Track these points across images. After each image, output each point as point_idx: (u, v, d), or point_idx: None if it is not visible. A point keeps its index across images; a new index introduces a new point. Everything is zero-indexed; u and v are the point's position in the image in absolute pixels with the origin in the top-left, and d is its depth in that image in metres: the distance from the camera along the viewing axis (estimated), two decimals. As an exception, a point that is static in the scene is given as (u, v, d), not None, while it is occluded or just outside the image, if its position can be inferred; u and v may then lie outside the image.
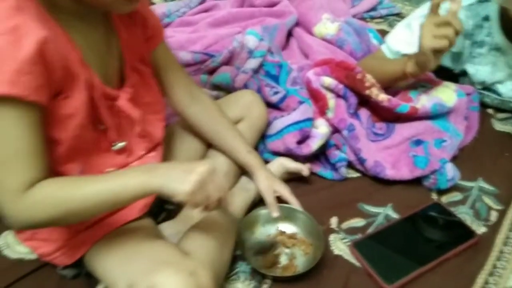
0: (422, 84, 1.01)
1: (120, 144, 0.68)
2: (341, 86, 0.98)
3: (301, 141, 0.95)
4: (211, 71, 1.12)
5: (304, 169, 0.91)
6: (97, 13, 0.64)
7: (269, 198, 0.81)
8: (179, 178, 0.59)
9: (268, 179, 0.83)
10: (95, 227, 0.69)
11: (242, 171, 0.89)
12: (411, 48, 0.90)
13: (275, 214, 0.80)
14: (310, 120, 0.94)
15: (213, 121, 0.84)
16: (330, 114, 0.97)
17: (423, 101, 0.96)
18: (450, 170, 0.90)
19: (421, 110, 0.96)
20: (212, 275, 0.63)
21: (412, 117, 0.98)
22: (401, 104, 0.96)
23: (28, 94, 0.51)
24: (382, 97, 0.96)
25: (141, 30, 0.72)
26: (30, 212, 0.56)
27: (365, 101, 1.02)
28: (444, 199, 0.92)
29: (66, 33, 0.57)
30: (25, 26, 0.51)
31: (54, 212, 0.56)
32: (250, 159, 0.84)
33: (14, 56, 0.50)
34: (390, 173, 0.91)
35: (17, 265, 0.79)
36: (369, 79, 0.96)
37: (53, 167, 0.60)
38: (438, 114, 0.97)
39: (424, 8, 0.99)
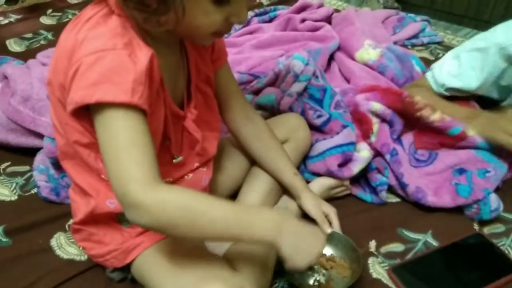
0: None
1: (180, 158, 0.72)
2: (388, 111, 0.99)
3: (342, 164, 0.97)
4: (256, 92, 1.16)
5: (345, 184, 0.93)
6: (176, 41, 0.69)
7: (319, 217, 0.83)
8: (303, 254, 0.62)
9: (315, 199, 0.86)
10: (148, 233, 0.72)
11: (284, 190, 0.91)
12: (457, 82, 0.91)
13: (328, 230, 0.82)
14: (352, 144, 0.96)
15: (264, 142, 0.87)
16: (373, 138, 0.98)
17: (472, 131, 0.97)
18: (494, 201, 0.89)
19: (470, 139, 0.96)
20: None
21: (457, 145, 0.98)
22: (454, 126, 0.97)
23: (142, 103, 0.55)
24: (434, 118, 0.97)
25: (208, 52, 0.77)
26: (160, 207, 0.54)
27: (410, 127, 1.03)
28: (486, 230, 0.91)
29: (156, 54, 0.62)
30: (136, 42, 0.57)
31: (180, 217, 0.55)
32: (296, 181, 0.87)
33: (133, 67, 0.54)
34: (431, 199, 0.91)
35: (68, 265, 0.83)
36: (420, 101, 0.97)
37: None
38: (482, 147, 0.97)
39: (475, 42, 1.00)
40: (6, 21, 1.73)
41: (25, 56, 1.37)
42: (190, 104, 0.73)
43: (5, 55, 1.39)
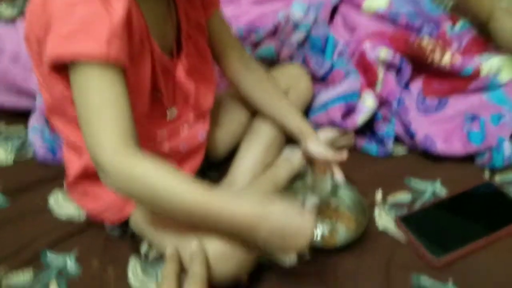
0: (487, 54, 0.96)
1: (173, 111, 0.69)
2: (398, 57, 0.94)
3: (346, 114, 0.93)
4: (255, 45, 1.11)
5: (350, 137, 0.90)
6: None
7: (331, 155, 0.80)
8: (284, 247, 0.58)
9: (323, 144, 0.83)
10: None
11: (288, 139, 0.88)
12: None
13: (339, 175, 0.80)
14: (356, 93, 0.92)
15: (266, 90, 0.84)
16: (379, 87, 0.94)
17: (486, 69, 0.92)
18: (508, 148, 0.85)
19: (482, 78, 0.91)
20: None
21: (468, 87, 0.93)
22: (465, 67, 0.91)
23: (119, 57, 0.52)
24: (445, 61, 0.91)
25: None
26: (129, 177, 0.52)
27: (418, 73, 0.98)
28: (498, 178, 0.87)
29: (137, 3, 0.58)
30: None
31: (144, 195, 0.54)
32: (304, 125, 0.83)
33: (108, 19, 0.51)
34: (441, 147, 0.87)
35: (67, 224, 0.81)
36: (428, 43, 0.92)
37: None
38: (494, 87, 0.91)
39: None
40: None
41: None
42: (181, 54, 0.68)
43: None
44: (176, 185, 0.54)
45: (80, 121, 0.54)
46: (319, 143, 0.82)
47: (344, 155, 0.80)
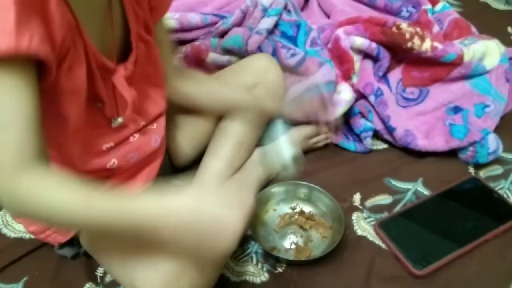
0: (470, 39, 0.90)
1: (120, 120, 0.61)
2: (374, 45, 0.87)
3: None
4: (222, 34, 1.02)
5: (326, 134, 0.85)
6: None
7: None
8: (201, 249, 0.49)
9: None
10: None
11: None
12: None
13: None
14: (332, 83, 0.84)
15: (199, 81, 0.78)
16: (355, 79, 0.86)
17: (469, 55, 0.85)
18: (493, 142, 0.79)
19: (466, 64, 0.85)
20: None
21: (450, 75, 0.87)
22: (448, 53, 0.85)
23: (31, 47, 0.42)
24: (426, 47, 0.85)
25: None
26: (19, 201, 0.46)
27: (397, 62, 0.91)
28: (483, 173, 0.82)
29: None
30: None
31: (42, 213, 0.47)
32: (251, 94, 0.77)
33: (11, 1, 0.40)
34: (422, 143, 0.81)
35: (16, 244, 0.74)
36: (407, 28, 0.85)
37: (55, 145, 0.54)
38: (477, 74, 0.85)
39: None
40: None
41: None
42: (128, 57, 0.60)
43: None
44: (61, 196, 0.46)
45: None
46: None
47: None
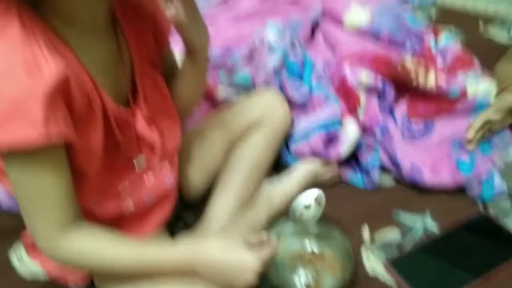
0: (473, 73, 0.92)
1: (142, 161, 0.63)
2: (379, 81, 0.89)
3: (328, 143, 0.87)
4: (230, 69, 1.04)
5: (334, 170, 0.86)
6: (105, 22, 0.57)
7: None
8: (227, 282, 0.59)
9: None
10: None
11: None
12: None
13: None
14: (337, 120, 0.86)
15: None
16: (360, 113, 0.88)
17: (473, 90, 0.87)
18: (498, 182, 0.79)
19: (470, 99, 0.87)
20: None
21: (454, 108, 0.88)
22: (451, 88, 0.87)
23: (58, 132, 0.47)
24: (431, 84, 0.88)
25: (149, 28, 0.65)
26: (64, 258, 0.57)
27: (402, 94, 0.94)
28: (492, 209, 0.81)
29: (75, 53, 0.52)
30: (42, 57, 0.46)
31: (87, 265, 0.60)
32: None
33: (39, 92, 0.45)
34: (429, 178, 0.82)
35: (30, 285, 0.74)
36: (411, 66, 0.87)
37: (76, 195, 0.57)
38: (482, 108, 0.87)
39: None
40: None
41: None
42: (138, 96, 0.62)
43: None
44: (109, 251, 0.57)
45: (19, 205, 0.54)
46: None
47: None
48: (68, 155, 0.52)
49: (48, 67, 0.46)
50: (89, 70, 0.53)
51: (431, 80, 0.86)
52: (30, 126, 0.45)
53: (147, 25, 0.64)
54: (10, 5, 0.47)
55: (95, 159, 0.55)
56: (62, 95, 0.47)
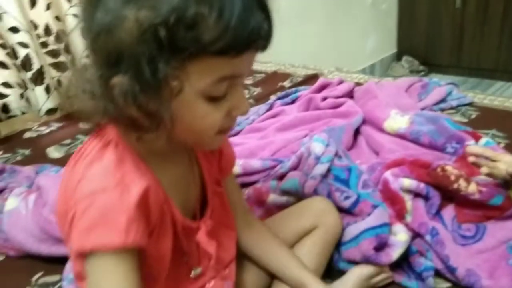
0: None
1: (198, 270, 0.69)
2: (422, 185, 0.93)
3: (379, 247, 0.89)
4: (281, 177, 1.13)
5: (387, 274, 0.85)
6: (183, 151, 0.68)
7: None
8: None
9: None
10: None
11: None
12: None
13: None
14: (386, 225, 0.89)
15: (264, 244, 0.82)
16: (408, 218, 0.91)
17: None
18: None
19: None
20: None
21: (503, 215, 0.89)
22: (495, 196, 0.88)
23: (135, 240, 0.54)
24: (473, 189, 0.89)
25: (216, 159, 0.75)
26: None
27: (448, 199, 0.96)
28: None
29: (154, 174, 0.60)
30: (129, 178, 0.55)
31: None
32: (304, 274, 0.78)
33: (125, 206, 0.53)
34: (487, 284, 0.80)
35: None
36: (452, 171, 0.90)
37: None
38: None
39: None
40: (48, 130, 1.85)
41: (64, 161, 1.42)
42: (206, 213, 0.70)
43: (45, 162, 1.47)
44: None
45: None
46: None
47: None
48: (140, 260, 0.58)
49: (135, 186, 0.54)
50: (163, 187, 0.61)
51: (472, 186, 0.89)
52: (112, 233, 0.52)
53: (215, 155, 0.75)
54: (111, 132, 0.58)
55: (162, 263, 0.61)
56: (143, 209, 0.55)
